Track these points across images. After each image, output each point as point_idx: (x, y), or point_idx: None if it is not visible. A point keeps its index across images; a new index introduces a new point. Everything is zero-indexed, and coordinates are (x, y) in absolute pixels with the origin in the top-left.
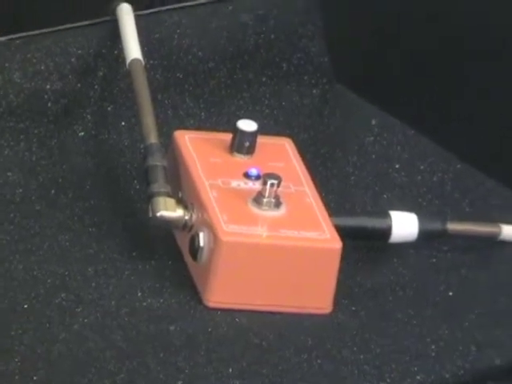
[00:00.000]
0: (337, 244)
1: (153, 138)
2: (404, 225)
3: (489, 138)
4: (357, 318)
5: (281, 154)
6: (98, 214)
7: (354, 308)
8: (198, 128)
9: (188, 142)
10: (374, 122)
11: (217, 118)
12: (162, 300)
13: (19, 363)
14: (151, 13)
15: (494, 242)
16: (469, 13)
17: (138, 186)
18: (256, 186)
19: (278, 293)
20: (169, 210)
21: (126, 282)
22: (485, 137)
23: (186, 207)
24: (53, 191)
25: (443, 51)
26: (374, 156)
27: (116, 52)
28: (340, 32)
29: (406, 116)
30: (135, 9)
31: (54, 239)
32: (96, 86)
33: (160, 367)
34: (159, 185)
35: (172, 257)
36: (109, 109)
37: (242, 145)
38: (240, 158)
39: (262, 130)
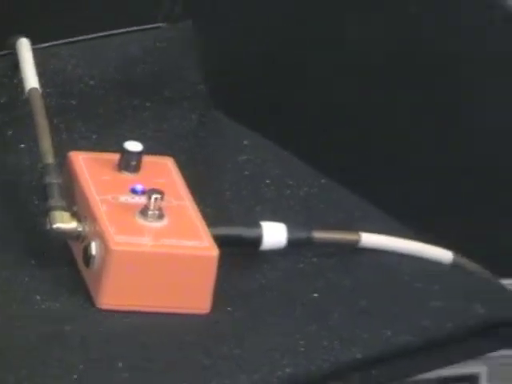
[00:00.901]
0: (214, 252)
1: (50, 159)
2: (274, 234)
3: (352, 157)
4: (232, 318)
5: (163, 172)
6: (0, 227)
7: (229, 308)
8: (90, 149)
9: (81, 161)
10: (246, 143)
11: (107, 140)
12: (58, 303)
13: None
14: (47, 46)
15: (355, 249)
16: (322, 39)
17: (36, 202)
18: (142, 200)
19: (163, 295)
20: (64, 222)
21: (26, 287)
22: (347, 156)
23: (79, 220)
24: None
25: (306, 80)
26: (246, 173)
27: (16, 82)
28: (217, 63)
29: (275, 137)
30: (33, 43)
31: None
32: None
33: (57, 363)
34: (56, 200)
35: (68, 264)
36: (9, 133)
37: (129, 164)
38: (127, 176)
39: (147, 151)
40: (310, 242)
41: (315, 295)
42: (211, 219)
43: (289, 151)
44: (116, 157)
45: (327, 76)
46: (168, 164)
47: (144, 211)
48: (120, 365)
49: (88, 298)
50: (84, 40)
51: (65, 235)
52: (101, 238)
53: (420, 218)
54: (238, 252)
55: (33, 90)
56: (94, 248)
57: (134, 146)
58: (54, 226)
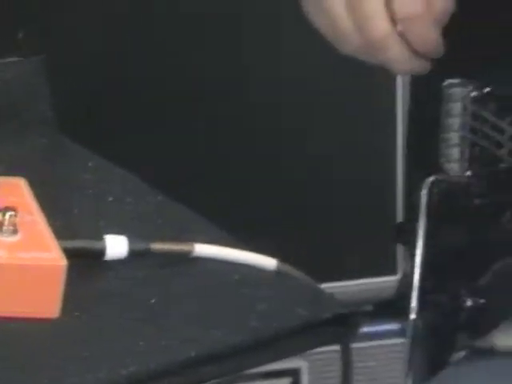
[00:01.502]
0: (61, 262)
1: None
2: (116, 245)
3: (183, 173)
4: (80, 322)
5: (17, 192)
6: None
7: (77, 313)
8: None
9: None
10: (90, 164)
11: None
12: None
13: None
14: None
15: (189, 258)
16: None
17: None
18: None
19: (18, 302)
20: None
21: None
22: (180, 172)
23: None
24: None
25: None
26: (91, 191)
27: None
28: (63, 92)
29: (116, 158)
30: None
31: None
32: None
33: None
34: None
35: None
36: None
37: None
38: None
39: (0, 173)
40: (148, 253)
41: (153, 301)
42: (60, 233)
43: (127, 170)
44: None
45: (158, 98)
46: (20, 184)
47: None
48: None
49: None
50: None
51: None
52: None
53: (247, 229)
54: (85, 262)
55: None
56: None
57: None
58: None
